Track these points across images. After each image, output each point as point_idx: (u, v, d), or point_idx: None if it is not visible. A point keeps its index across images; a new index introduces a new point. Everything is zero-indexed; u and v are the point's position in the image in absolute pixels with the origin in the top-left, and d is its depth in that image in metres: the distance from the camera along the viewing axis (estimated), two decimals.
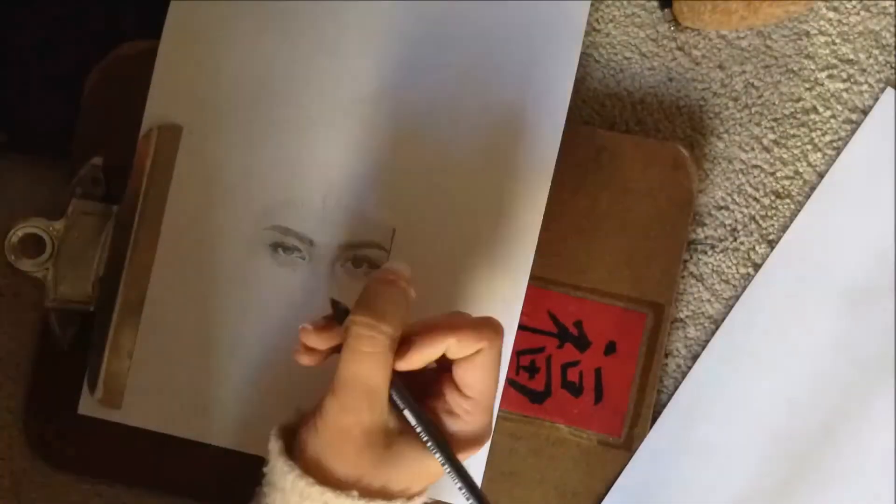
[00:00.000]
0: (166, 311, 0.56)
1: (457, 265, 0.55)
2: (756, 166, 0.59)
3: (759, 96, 0.59)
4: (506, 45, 0.56)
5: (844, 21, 0.59)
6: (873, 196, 0.58)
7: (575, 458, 0.56)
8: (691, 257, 0.58)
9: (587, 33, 0.59)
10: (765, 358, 0.57)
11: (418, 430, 0.45)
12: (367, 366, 0.44)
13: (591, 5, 0.59)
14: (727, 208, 0.58)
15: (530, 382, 0.56)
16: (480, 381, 0.46)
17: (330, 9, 0.56)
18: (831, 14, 0.59)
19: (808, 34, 0.59)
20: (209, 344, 0.55)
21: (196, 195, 0.56)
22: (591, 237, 0.56)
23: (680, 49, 0.59)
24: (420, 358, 0.45)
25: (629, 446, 0.56)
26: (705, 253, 0.58)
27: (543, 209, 0.55)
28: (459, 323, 0.46)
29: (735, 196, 0.59)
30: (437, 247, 0.55)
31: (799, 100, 0.59)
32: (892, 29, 0.59)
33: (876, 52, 0.59)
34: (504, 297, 0.55)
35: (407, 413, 0.45)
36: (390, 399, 0.45)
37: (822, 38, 0.59)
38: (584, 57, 0.59)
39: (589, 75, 0.59)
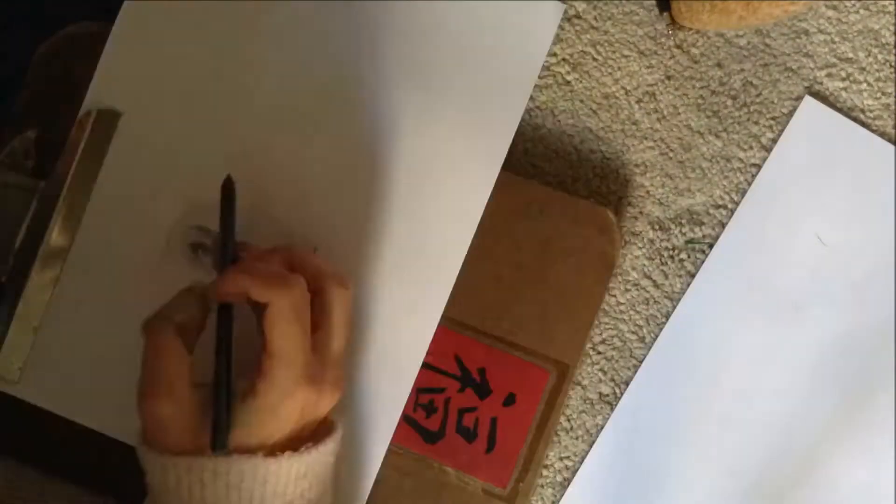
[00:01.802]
0: (79, 293, 0.56)
1: (371, 292, 0.56)
2: (754, 165, 0.58)
3: (758, 95, 0.59)
4: (455, 82, 0.56)
5: (844, 20, 0.58)
6: (796, 204, 0.58)
7: (457, 503, 0.56)
8: (689, 256, 0.58)
9: (585, 31, 0.59)
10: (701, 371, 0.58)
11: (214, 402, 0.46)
12: (159, 356, 0.46)
13: (590, 3, 0.58)
14: (725, 207, 0.58)
15: (426, 421, 0.56)
16: (275, 332, 0.46)
17: (284, 8, 0.56)
18: (830, 13, 0.58)
19: (807, 32, 0.58)
20: (116, 335, 0.55)
21: (125, 183, 0.56)
22: (508, 287, 0.56)
23: (678, 47, 0.59)
24: (220, 290, 0.47)
25: (512, 499, 0.56)
26: (702, 251, 0.58)
27: (466, 251, 0.55)
28: (257, 268, 0.47)
29: (733, 195, 0.58)
30: (354, 271, 0.56)
31: (798, 98, 0.58)
32: (892, 27, 0.58)
33: (875, 50, 0.58)
34: (413, 332, 0.55)
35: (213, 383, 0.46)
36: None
37: (822, 37, 0.58)
38: (582, 55, 0.59)
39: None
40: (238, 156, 0.56)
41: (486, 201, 0.56)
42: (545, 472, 0.58)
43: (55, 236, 0.55)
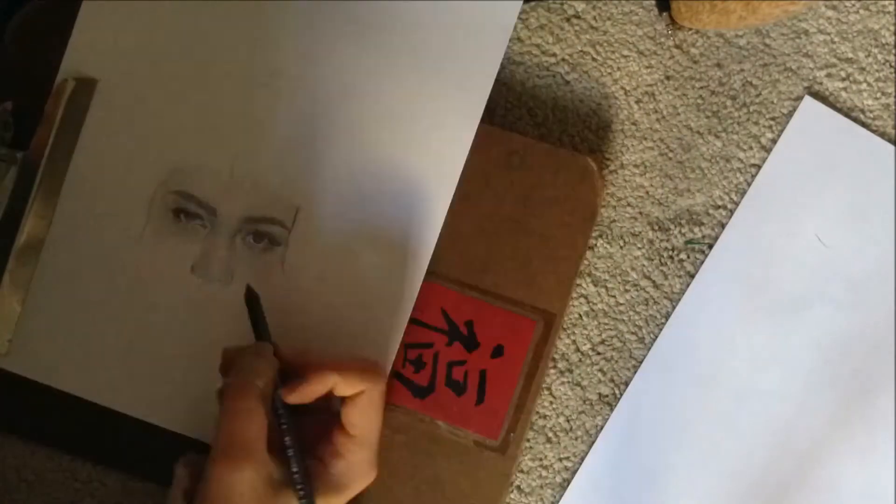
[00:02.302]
0: (63, 262, 0.56)
1: (356, 252, 0.56)
2: (754, 165, 0.58)
3: (758, 95, 0.58)
4: (430, 38, 0.56)
5: (843, 20, 0.58)
6: (796, 205, 0.58)
7: (450, 456, 0.56)
8: (688, 256, 0.58)
9: (584, 31, 0.58)
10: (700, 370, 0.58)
11: (294, 473, 0.48)
12: (242, 420, 0.46)
13: (589, 3, 0.58)
14: (724, 207, 0.58)
15: (415, 376, 0.56)
16: (364, 419, 0.51)
17: None
18: (830, 13, 0.58)
19: (806, 32, 0.58)
20: (102, 301, 0.56)
21: (104, 151, 0.56)
22: (492, 239, 0.56)
23: (678, 47, 0.58)
24: (309, 391, 0.49)
25: (504, 450, 0.56)
26: (702, 252, 0.58)
27: (448, 205, 0.56)
28: (345, 364, 0.50)
29: (732, 195, 0.58)
30: (338, 230, 0.56)
31: (797, 98, 0.58)
32: (892, 27, 0.58)
33: (875, 50, 0.58)
34: (399, 288, 0.56)
35: (291, 457, 0.48)
36: (276, 450, 0.48)
37: (821, 37, 0.58)
38: (581, 55, 0.59)
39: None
40: (216, 118, 0.56)
41: (466, 155, 0.56)
42: (544, 473, 0.58)
43: (37, 206, 0.55)
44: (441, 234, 0.56)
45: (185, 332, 0.56)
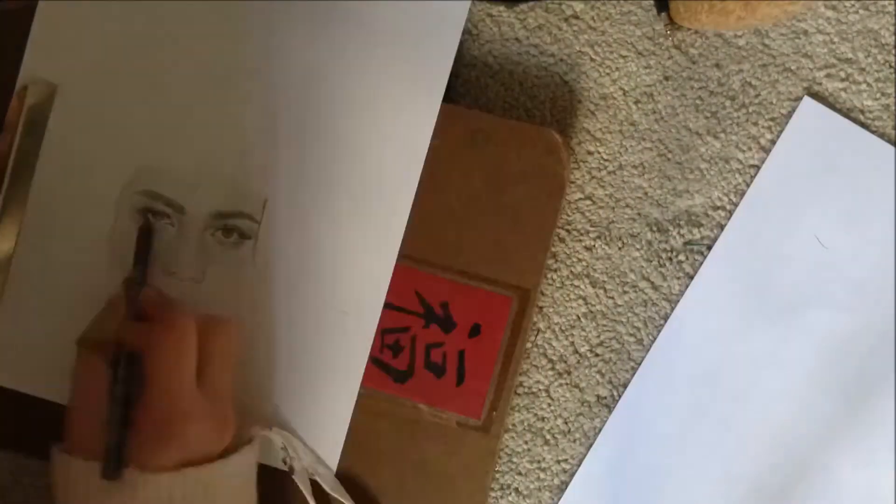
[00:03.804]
0: (34, 269, 0.56)
1: (327, 239, 0.56)
2: (753, 166, 0.58)
3: (757, 95, 0.58)
4: (387, 24, 0.56)
5: (843, 20, 0.58)
6: (795, 206, 0.58)
7: (433, 438, 0.56)
8: (687, 258, 0.58)
9: (582, 31, 0.58)
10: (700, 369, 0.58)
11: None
12: (80, 365, 0.50)
13: (588, 3, 0.58)
14: (724, 208, 0.58)
15: (393, 361, 0.56)
16: (154, 370, 0.49)
17: None
18: (830, 13, 0.58)
19: (806, 33, 0.58)
20: (75, 307, 0.55)
21: (68, 155, 0.56)
22: (462, 218, 0.56)
23: (677, 48, 0.58)
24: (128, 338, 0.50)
25: (487, 429, 0.56)
26: (701, 253, 0.58)
27: (415, 187, 0.55)
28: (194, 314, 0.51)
29: (731, 196, 0.58)
30: (307, 219, 0.56)
31: (797, 99, 0.58)
32: (891, 28, 0.58)
33: (875, 51, 0.58)
34: (372, 274, 0.56)
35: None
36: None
37: (821, 37, 0.58)
38: (580, 55, 0.58)
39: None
40: (179, 116, 0.56)
41: (429, 136, 0.55)
42: (542, 475, 0.58)
43: (4, 215, 0.55)
44: (411, 217, 0.55)
45: None
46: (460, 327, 0.56)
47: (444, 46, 0.56)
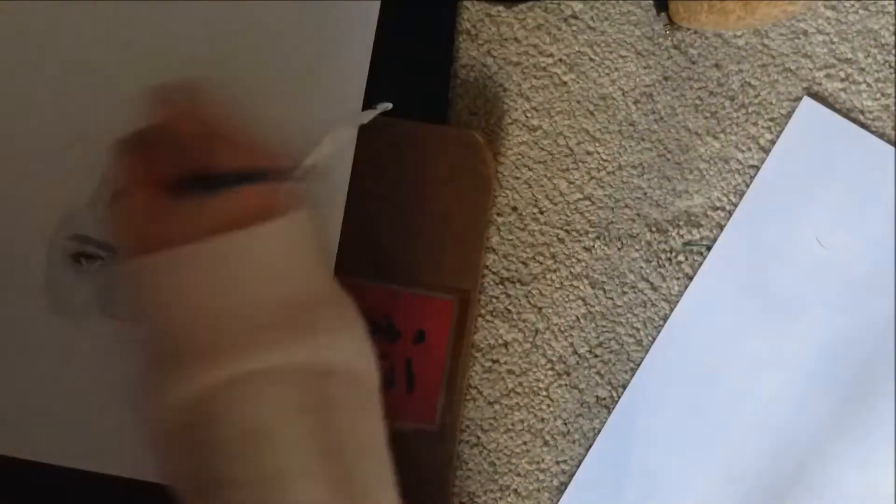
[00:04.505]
0: None
1: None
2: (752, 166, 0.58)
3: (756, 96, 0.58)
4: (298, 40, 0.56)
5: (843, 20, 0.58)
6: (795, 206, 0.58)
7: (392, 450, 0.56)
8: (686, 258, 0.58)
9: (581, 31, 0.58)
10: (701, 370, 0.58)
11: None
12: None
13: (587, 3, 0.58)
14: (723, 209, 0.58)
15: None
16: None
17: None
18: (829, 13, 0.58)
19: (805, 33, 0.58)
20: (20, 360, 0.54)
21: None
22: (394, 227, 0.56)
23: (676, 48, 0.58)
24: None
25: (443, 433, 0.56)
26: (700, 254, 0.58)
27: (344, 202, 0.55)
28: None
29: (731, 197, 0.58)
30: None
31: (796, 99, 0.58)
32: (891, 28, 0.58)
33: (874, 51, 0.58)
34: None
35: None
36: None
37: (820, 37, 0.58)
38: (579, 55, 0.58)
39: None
40: (92, 153, 0.55)
41: (353, 150, 0.55)
42: (541, 476, 0.58)
43: None
44: (343, 231, 0.55)
45: (110, 375, 0.54)
46: (405, 335, 0.56)
47: (357, 54, 0.55)
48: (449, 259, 0.56)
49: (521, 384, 0.58)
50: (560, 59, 0.58)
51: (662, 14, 0.58)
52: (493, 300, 0.58)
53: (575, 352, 0.58)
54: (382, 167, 0.56)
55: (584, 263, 0.58)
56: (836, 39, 0.58)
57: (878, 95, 0.58)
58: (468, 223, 0.56)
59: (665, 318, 0.58)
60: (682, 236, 0.58)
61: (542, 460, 0.58)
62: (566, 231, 0.58)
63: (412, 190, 0.56)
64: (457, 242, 0.56)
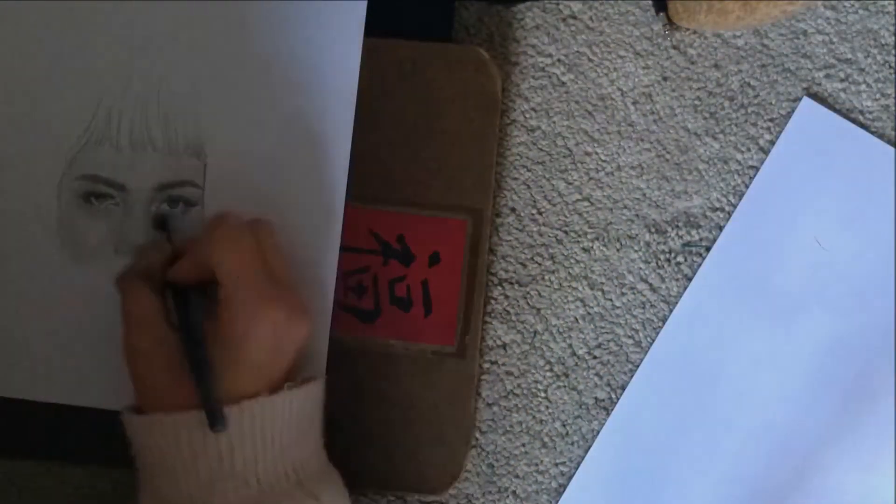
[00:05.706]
0: None
1: (272, 193, 0.55)
2: (752, 167, 0.58)
3: (756, 96, 0.58)
4: (286, 40, 0.55)
5: (843, 20, 0.58)
6: (794, 207, 0.58)
7: (411, 372, 0.56)
8: (686, 259, 0.58)
9: (580, 31, 0.58)
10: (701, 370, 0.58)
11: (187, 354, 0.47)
12: (129, 297, 0.48)
13: (586, 3, 0.58)
14: (722, 210, 0.58)
15: (359, 303, 0.56)
16: (221, 260, 0.47)
17: None
18: (829, 13, 0.58)
19: (805, 33, 0.58)
20: (32, 300, 0.55)
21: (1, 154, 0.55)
22: (403, 150, 0.56)
23: (675, 48, 0.58)
24: (184, 265, 0.49)
25: (463, 353, 0.56)
26: (699, 255, 0.58)
27: (351, 127, 0.55)
28: (192, 243, 0.50)
29: (730, 197, 0.58)
30: (250, 177, 0.55)
31: (796, 99, 0.58)
32: (891, 28, 0.58)
33: (874, 51, 0.58)
34: (322, 220, 0.55)
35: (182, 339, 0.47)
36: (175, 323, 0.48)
37: (820, 37, 0.58)
38: (577, 55, 0.58)
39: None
40: (101, 93, 0.55)
41: (357, 73, 0.55)
42: (540, 478, 0.58)
43: None
44: (353, 157, 0.55)
45: (114, 318, 0.53)
46: (420, 258, 0.56)
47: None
48: (460, 179, 0.56)
49: (519, 386, 0.58)
50: (559, 60, 0.58)
51: (661, 14, 0.57)
52: (492, 301, 0.58)
53: (574, 353, 0.58)
54: (388, 89, 0.56)
55: (582, 264, 0.58)
56: (835, 39, 0.58)
57: (877, 96, 0.58)
58: (478, 142, 0.56)
59: (664, 320, 0.58)
60: (681, 237, 0.58)
61: (541, 462, 0.58)
62: (565, 232, 0.58)
63: (420, 111, 0.56)
64: (467, 162, 0.56)
